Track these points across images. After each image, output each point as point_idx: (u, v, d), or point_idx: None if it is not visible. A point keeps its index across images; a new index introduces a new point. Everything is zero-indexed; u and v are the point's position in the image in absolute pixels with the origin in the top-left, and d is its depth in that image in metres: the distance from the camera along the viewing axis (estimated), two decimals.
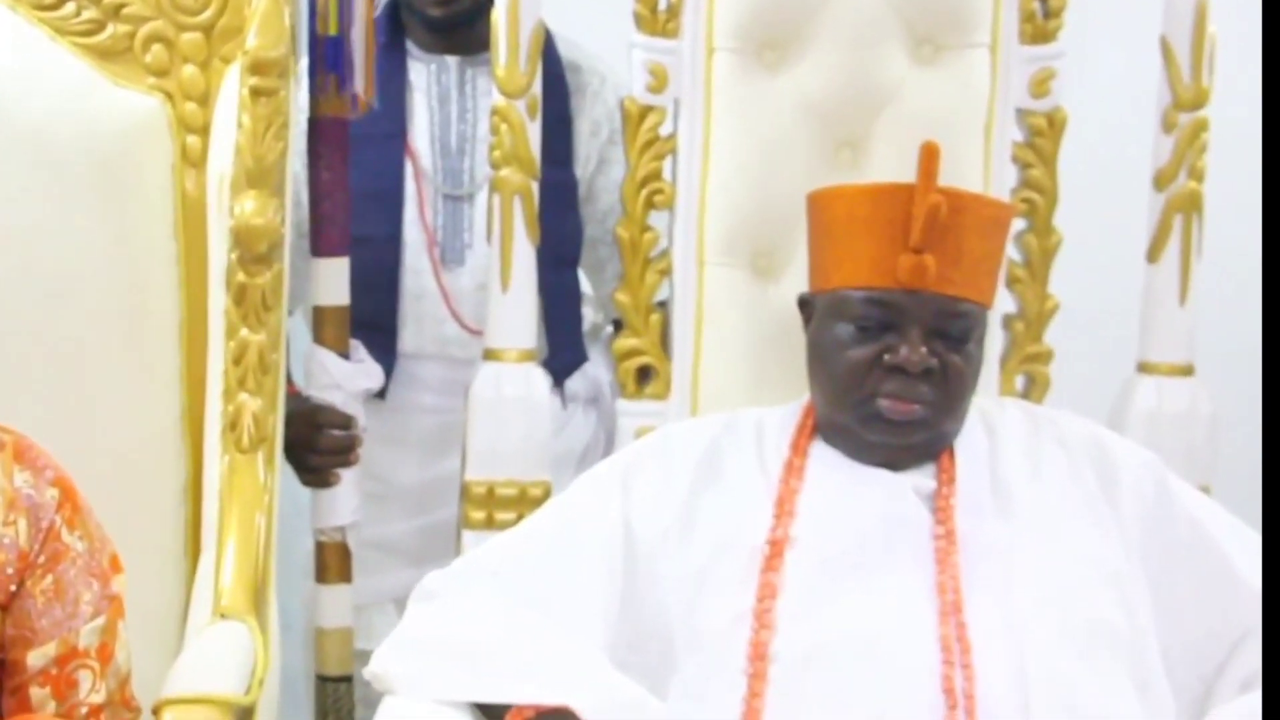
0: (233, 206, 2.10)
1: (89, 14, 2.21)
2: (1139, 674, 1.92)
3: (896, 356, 1.97)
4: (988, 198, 2.13)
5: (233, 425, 2.13)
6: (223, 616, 2.03)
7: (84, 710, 1.87)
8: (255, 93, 2.09)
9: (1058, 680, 1.88)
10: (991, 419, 2.09)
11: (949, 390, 1.99)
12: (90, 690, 1.88)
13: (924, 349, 1.97)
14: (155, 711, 1.84)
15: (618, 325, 2.45)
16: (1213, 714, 1.95)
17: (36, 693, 1.86)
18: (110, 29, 2.21)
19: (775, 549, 1.97)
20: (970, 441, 2.05)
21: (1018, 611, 1.92)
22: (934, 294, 1.97)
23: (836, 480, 2.02)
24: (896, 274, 1.97)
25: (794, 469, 2.03)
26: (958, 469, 2.01)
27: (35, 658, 1.86)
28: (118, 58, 2.21)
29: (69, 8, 2.20)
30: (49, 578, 1.87)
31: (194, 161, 2.23)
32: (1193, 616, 2.00)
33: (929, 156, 1.97)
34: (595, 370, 2.61)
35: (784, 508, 2.00)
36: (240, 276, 2.11)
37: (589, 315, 2.69)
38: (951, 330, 1.99)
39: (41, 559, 1.86)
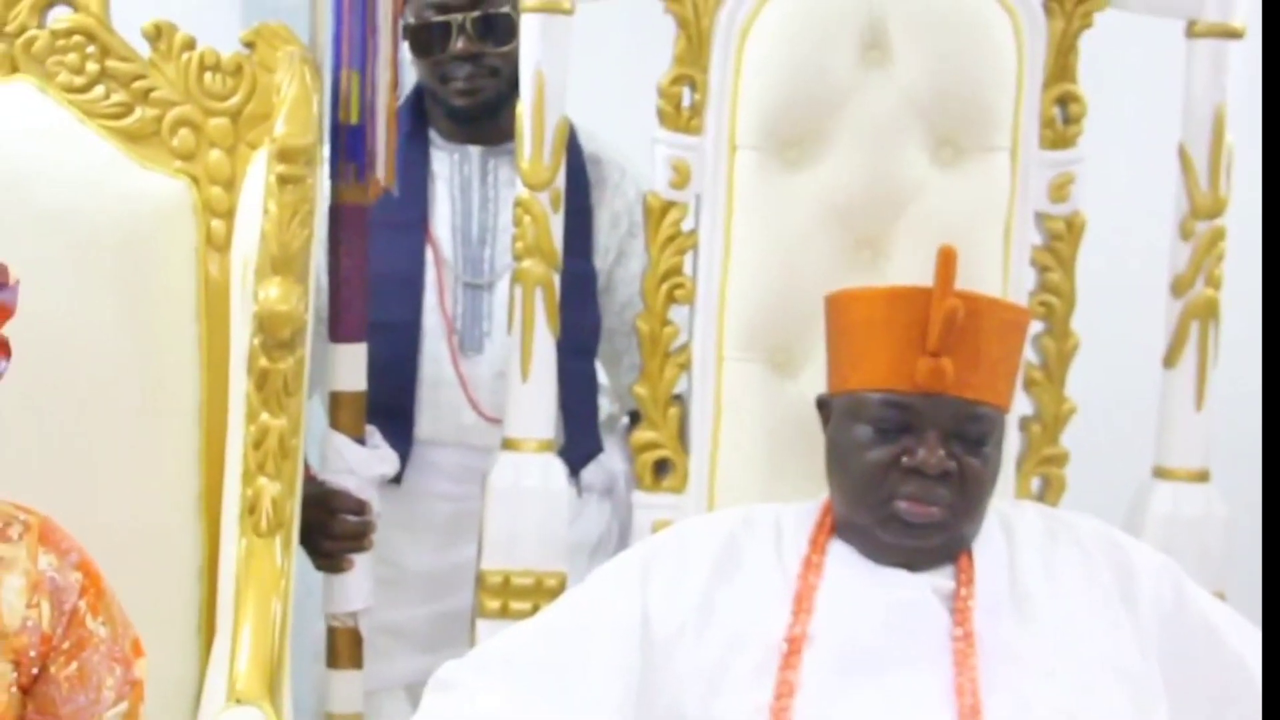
0: (257, 292, 2.11)
1: (118, 97, 2.23)
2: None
3: (914, 459, 1.99)
4: (1005, 302, 2.15)
5: (251, 509, 2.13)
6: (238, 701, 2.02)
7: None
8: (282, 180, 2.10)
9: None
10: (1009, 521, 2.10)
11: (967, 493, 2.00)
12: None
13: (942, 452, 1.98)
14: None
15: (634, 416, 2.46)
16: None
17: None
18: (139, 112, 2.23)
19: (793, 646, 1.98)
20: (988, 543, 2.06)
21: (1035, 714, 1.93)
22: (952, 397, 1.99)
23: (855, 579, 2.03)
24: (914, 377, 1.99)
25: (813, 566, 2.04)
26: (976, 571, 2.02)
27: None
28: (145, 141, 2.23)
29: (98, 90, 2.23)
30: (73, 664, 1.87)
31: (218, 245, 2.25)
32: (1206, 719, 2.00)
33: (946, 261, 2.00)
34: (610, 461, 2.62)
35: (802, 604, 2.01)
36: (263, 361, 2.11)
37: (605, 406, 2.70)
38: (969, 433, 2.00)
39: (65, 644, 1.87)
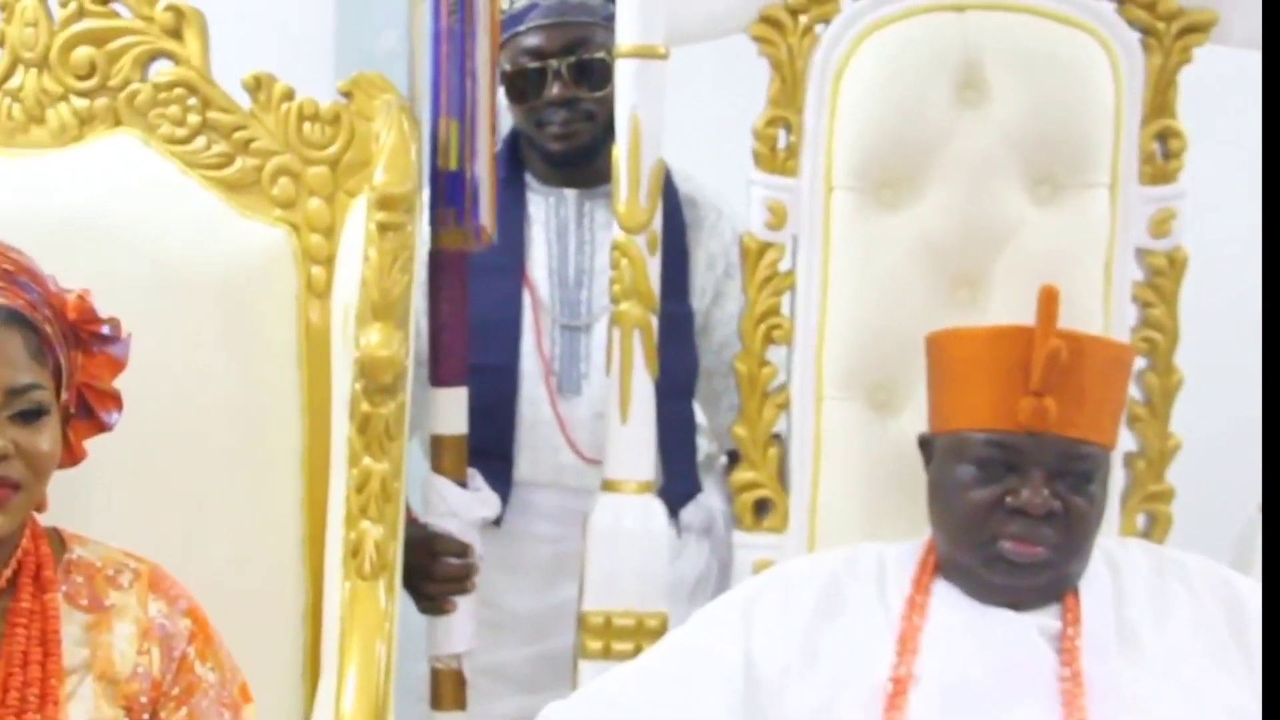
0: (358, 338, 2.12)
1: (219, 148, 2.26)
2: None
3: (1019, 499, 1.98)
4: (1108, 340, 2.14)
5: (355, 552, 2.14)
6: None
7: None
8: (382, 227, 2.11)
9: None
10: (1115, 559, 2.08)
11: (1072, 532, 1.99)
12: None
13: (1046, 491, 1.97)
14: None
15: (732, 456, 2.46)
16: None
17: None
18: (239, 163, 2.26)
19: (899, 686, 1.97)
20: (1095, 582, 2.04)
21: None
22: (1056, 436, 1.98)
23: (960, 619, 2.02)
24: (1018, 417, 1.98)
25: (917, 606, 2.04)
26: (1083, 610, 2.01)
27: None
28: (246, 190, 2.26)
29: (199, 142, 2.26)
30: (183, 710, 1.89)
31: (318, 292, 2.27)
32: None
33: (1048, 301, 1.99)
34: (709, 500, 2.62)
35: (907, 645, 2.00)
36: (365, 406, 2.13)
37: (703, 446, 2.70)
38: (1074, 472, 1.99)
39: (175, 690, 1.89)
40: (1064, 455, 1.98)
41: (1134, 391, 2.34)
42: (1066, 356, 1.96)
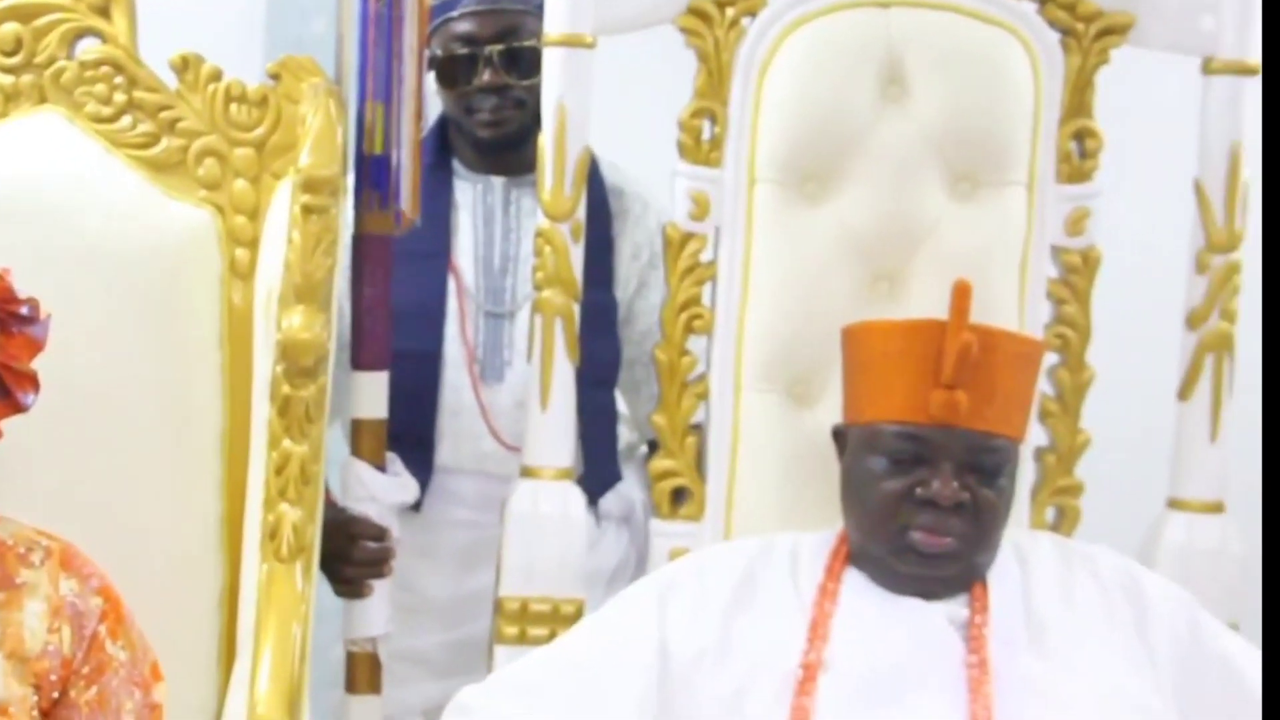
0: (280, 320, 2.12)
1: (145, 127, 2.25)
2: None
3: (929, 490, 2.00)
4: (1019, 335, 2.16)
5: (272, 534, 2.14)
6: None
7: None
8: (306, 210, 2.11)
9: None
10: (1024, 551, 2.11)
11: (981, 524, 2.01)
12: None
13: (956, 484, 2.00)
14: None
15: (652, 446, 2.47)
16: None
17: None
18: (165, 142, 2.25)
19: (809, 673, 1.99)
20: (1003, 573, 2.07)
21: None
22: (966, 430, 2.01)
23: (870, 607, 2.04)
24: (929, 410, 2.00)
25: (828, 594, 2.06)
26: (991, 599, 2.04)
27: None
28: (171, 170, 2.25)
29: (125, 120, 2.25)
30: (93, 689, 1.89)
31: (242, 274, 2.27)
32: None
33: (961, 295, 2.01)
34: (629, 489, 2.63)
35: (817, 632, 2.02)
36: (285, 389, 2.12)
37: (624, 435, 2.71)
38: (984, 465, 2.02)
39: (85, 669, 1.89)
40: (974, 448, 2.01)
41: (1045, 387, 2.37)
42: (978, 350, 1.98)
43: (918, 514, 2.00)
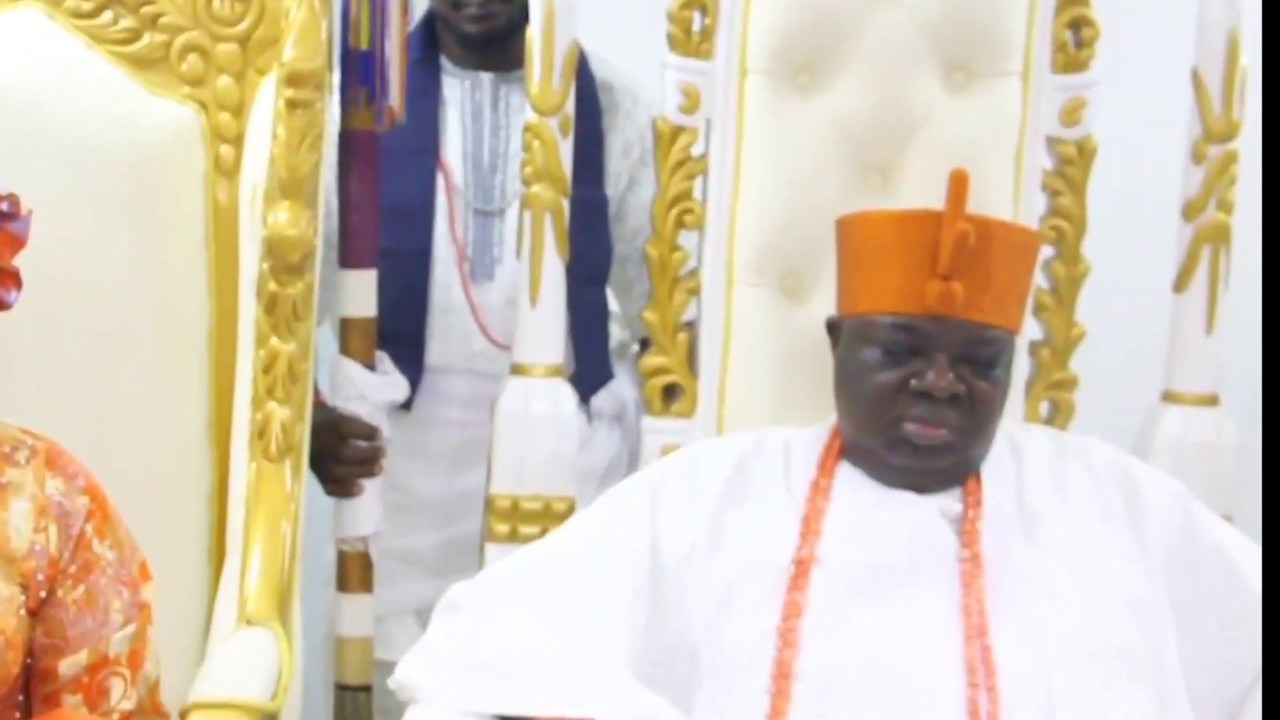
0: (266, 217, 2.11)
1: (126, 23, 2.21)
2: (1162, 699, 1.94)
3: (923, 382, 1.98)
4: (1016, 225, 2.14)
5: (261, 433, 2.14)
6: (248, 623, 2.04)
7: (115, 717, 1.88)
8: (291, 105, 2.10)
9: (1081, 704, 1.89)
10: (1018, 444, 2.10)
11: (976, 415, 2.00)
12: (121, 697, 1.89)
13: (951, 375, 1.98)
14: (183, 715, 1.86)
15: (644, 344, 2.46)
16: None
17: (68, 700, 1.87)
18: (147, 38, 2.22)
19: (801, 568, 1.98)
20: (997, 466, 2.06)
21: (1042, 635, 1.93)
22: (961, 320, 1.98)
23: (863, 501, 2.03)
24: (924, 300, 1.98)
25: (820, 489, 2.04)
26: (985, 493, 2.02)
27: (67, 666, 1.87)
28: (153, 67, 2.22)
29: (106, 16, 2.21)
30: (80, 588, 1.88)
31: (226, 171, 2.24)
32: (1216, 643, 2.01)
33: (958, 184, 1.98)
34: (621, 388, 2.63)
35: (810, 527, 2.01)
36: (272, 286, 2.12)
37: (616, 333, 2.71)
38: (979, 356, 2.00)
39: (73, 568, 1.87)
40: (969, 339, 1.99)
41: (1040, 280, 2.34)
42: (974, 240, 1.96)
43: (912, 406, 1.98)
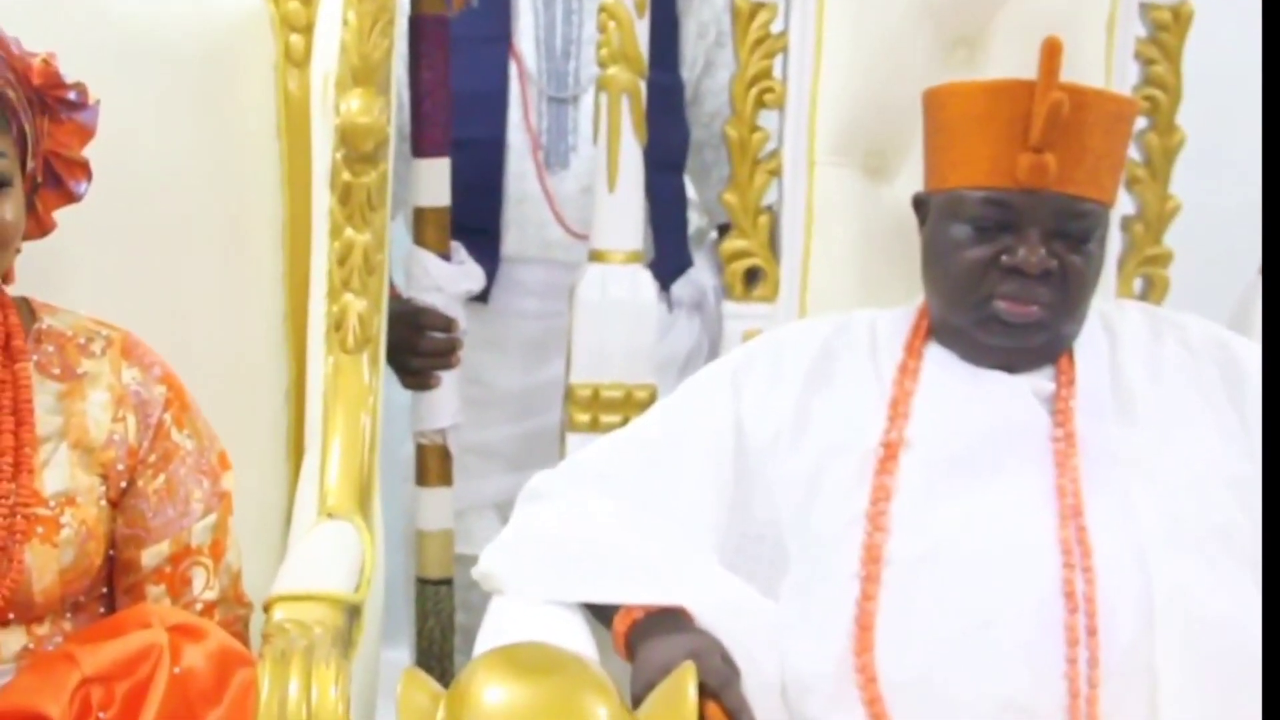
0: (338, 105, 2.08)
1: None
2: (1262, 578, 1.88)
3: (1014, 258, 1.92)
4: (1111, 93, 2.06)
5: (338, 325, 2.12)
6: (330, 516, 2.03)
7: (198, 607, 1.88)
8: None
9: (1180, 584, 1.84)
10: (1112, 321, 2.04)
11: (1069, 292, 1.94)
12: (204, 587, 1.89)
13: (1043, 250, 1.92)
14: (266, 608, 1.84)
15: (723, 230, 2.42)
16: None
17: (152, 590, 1.87)
18: None
19: (890, 451, 1.94)
20: (1090, 344, 2.00)
21: (1138, 515, 1.88)
22: (1054, 194, 1.92)
23: (952, 382, 1.98)
24: (1015, 174, 1.92)
25: (908, 371, 1.99)
26: (1077, 371, 1.97)
27: (149, 556, 1.87)
28: None
29: None
30: (161, 477, 1.87)
31: (297, 61, 2.21)
32: None
33: (1051, 52, 1.91)
34: (700, 275, 2.58)
35: (898, 410, 1.97)
36: (346, 176, 2.09)
37: (694, 220, 2.66)
38: (1072, 230, 1.94)
39: (152, 457, 1.86)
40: (1062, 213, 1.92)
41: (1133, 152, 2.28)
42: (1068, 110, 1.89)
43: (1003, 282, 1.93)
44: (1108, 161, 1.96)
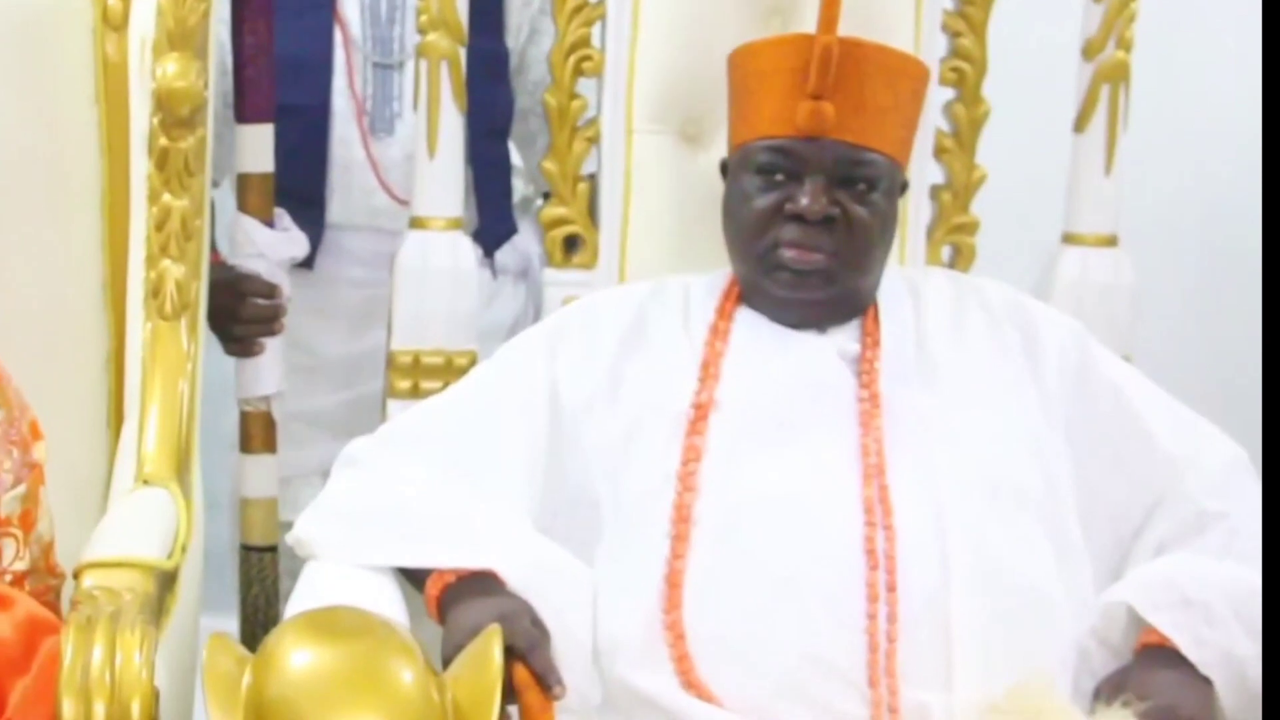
0: (155, 69, 2.07)
1: None
2: (1057, 537, 1.94)
3: (797, 205, 1.96)
4: (892, 49, 2.06)
5: (155, 292, 2.11)
6: (145, 483, 2.02)
7: (8, 578, 1.85)
8: None
9: (977, 542, 1.89)
10: (917, 286, 2.08)
11: (853, 241, 1.97)
12: (14, 558, 1.87)
13: (825, 198, 1.95)
14: (76, 574, 1.82)
15: (548, 197, 2.43)
16: (1128, 576, 1.97)
17: None
18: None
19: (700, 412, 1.97)
20: (895, 306, 2.04)
21: (939, 475, 1.92)
22: (835, 142, 1.95)
23: (761, 344, 2.01)
24: (795, 121, 1.95)
25: (719, 332, 2.02)
26: (883, 333, 2.01)
27: None
28: None
29: None
30: None
31: (115, 25, 2.18)
32: (1111, 482, 2.00)
33: (829, 2, 1.95)
34: (525, 243, 2.59)
35: (708, 371, 1.99)
36: (163, 141, 2.08)
37: (520, 188, 2.67)
38: (855, 179, 1.97)
39: None
40: (844, 160, 1.96)
41: (941, 122, 2.33)
42: (844, 58, 1.92)
43: (786, 229, 1.96)
44: (893, 115, 1.99)
